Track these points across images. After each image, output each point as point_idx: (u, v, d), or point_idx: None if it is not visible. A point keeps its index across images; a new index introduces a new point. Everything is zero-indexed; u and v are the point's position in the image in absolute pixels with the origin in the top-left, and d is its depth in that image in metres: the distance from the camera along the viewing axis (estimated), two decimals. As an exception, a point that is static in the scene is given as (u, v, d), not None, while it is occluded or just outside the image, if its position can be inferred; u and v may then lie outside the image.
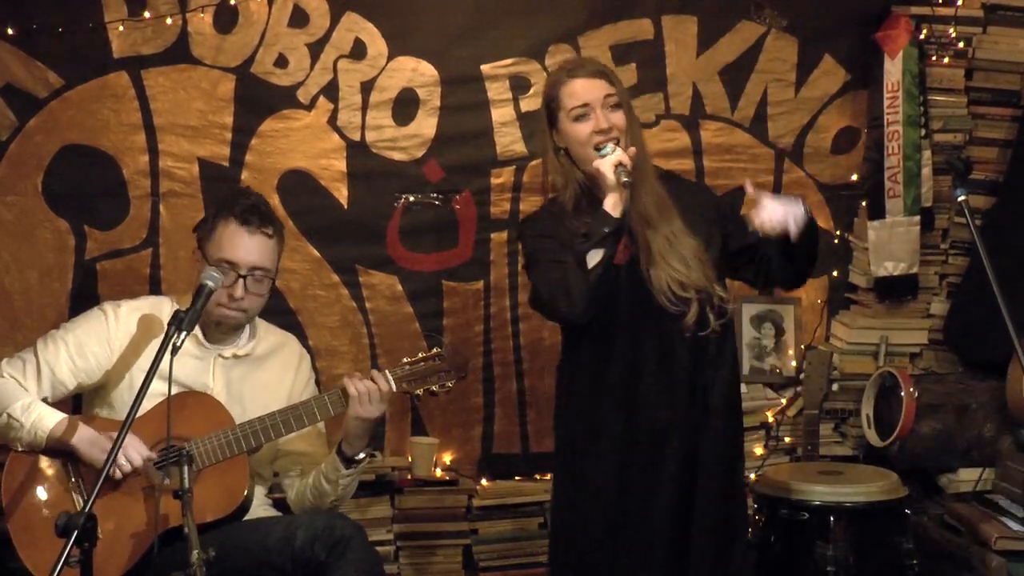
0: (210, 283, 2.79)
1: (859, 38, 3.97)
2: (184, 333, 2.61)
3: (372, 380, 2.91)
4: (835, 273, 4.10)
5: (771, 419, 4.01)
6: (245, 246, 2.93)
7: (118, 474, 2.77)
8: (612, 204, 2.67)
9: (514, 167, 3.88)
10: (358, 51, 3.77)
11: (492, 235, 3.90)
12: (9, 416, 2.83)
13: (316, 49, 3.75)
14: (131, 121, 3.68)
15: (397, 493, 3.81)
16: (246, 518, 2.87)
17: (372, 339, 3.87)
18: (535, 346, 3.93)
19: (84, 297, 3.60)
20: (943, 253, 4.07)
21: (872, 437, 3.86)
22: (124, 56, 3.65)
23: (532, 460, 3.95)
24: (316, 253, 3.81)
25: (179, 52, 3.68)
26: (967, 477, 3.74)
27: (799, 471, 3.57)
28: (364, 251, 3.84)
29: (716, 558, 2.82)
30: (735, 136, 3.99)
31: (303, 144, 3.78)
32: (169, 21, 3.65)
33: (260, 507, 3.02)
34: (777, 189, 4.01)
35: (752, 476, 3.76)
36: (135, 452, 2.77)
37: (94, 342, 2.94)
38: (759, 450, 3.98)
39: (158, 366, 2.55)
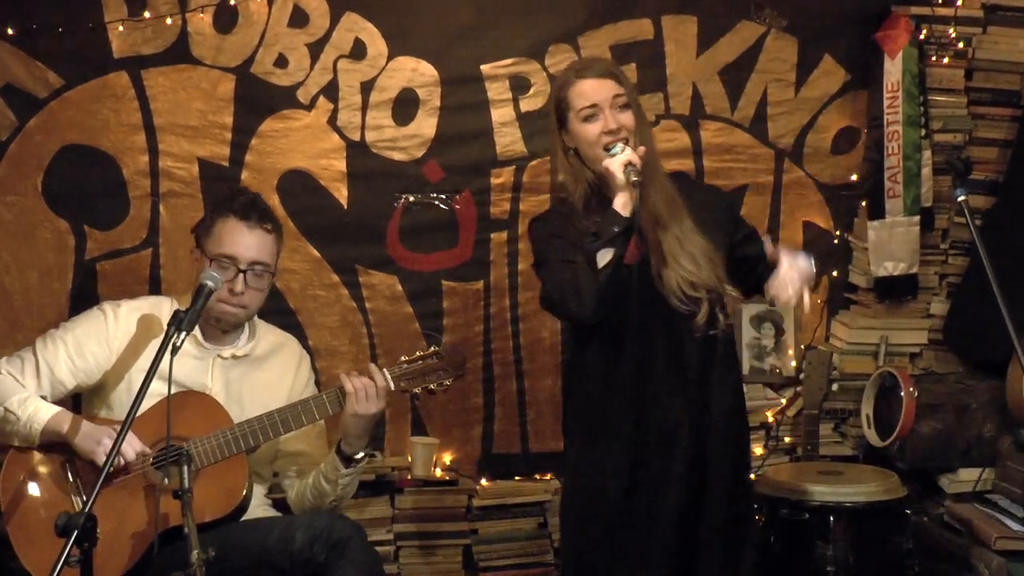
0: (210, 283, 2.79)
1: (859, 38, 3.97)
2: (184, 333, 2.62)
3: (369, 376, 2.91)
4: (835, 273, 4.10)
5: (771, 419, 4.01)
6: (245, 241, 2.94)
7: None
8: (622, 203, 2.67)
9: (514, 167, 3.88)
10: (358, 51, 3.77)
11: (492, 235, 3.90)
12: (6, 410, 2.83)
13: (316, 49, 3.75)
14: (131, 121, 3.68)
15: (397, 493, 3.81)
16: (246, 518, 2.87)
17: (372, 339, 3.87)
18: (535, 346, 3.93)
19: (84, 297, 3.60)
20: (943, 253, 4.07)
21: (872, 437, 3.86)
22: (124, 56, 3.65)
23: (532, 460, 3.95)
24: (316, 253, 3.81)
25: (179, 52, 3.68)
26: (967, 477, 3.74)
27: (799, 471, 3.57)
28: (364, 251, 3.84)
29: (726, 559, 2.82)
30: (735, 136, 3.99)
31: (303, 144, 3.78)
32: (169, 21, 3.65)
33: (260, 507, 3.02)
34: (777, 189, 4.02)
35: (752, 476, 3.75)
36: (128, 447, 2.77)
37: (93, 342, 2.94)
38: (759, 450, 3.98)
39: (158, 366, 2.55)
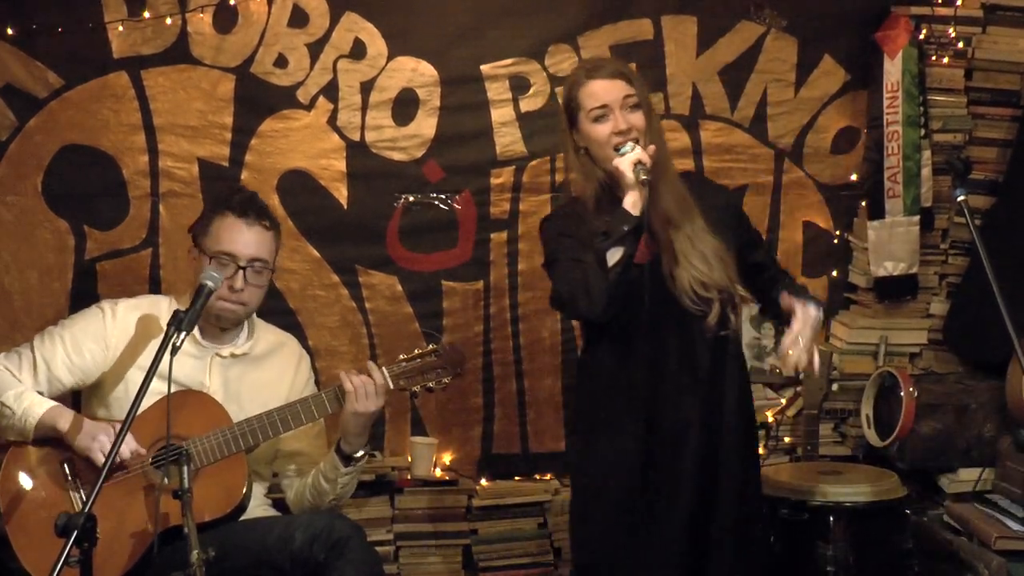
0: (210, 283, 2.79)
1: (859, 38, 3.97)
2: (184, 333, 2.62)
3: (368, 374, 2.91)
4: (835, 273, 4.10)
5: (771, 419, 4.01)
6: (243, 238, 2.94)
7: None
8: (631, 202, 2.67)
9: (514, 167, 3.87)
10: (358, 51, 3.77)
11: (492, 235, 3.90)
12: (1, 403, 2.83)
13: (316, 49, 3.75)
14: (131, 121, 3.68)
15: (396, 493, 3.81)
16: (245, 517, 2.87)
17: (372, 339, 3.86)
18: (535, 346, 3.93)
19: (84, 297, 3.59)
20: (943, 253, 4.07)
21: (872, 437, 3.86)
22: (124, 56, 3.65)
23: (532, 460, 3.95)
24: (316, 253, 3.81)
25: (179, 52, 3.68)
26: (967, 477, 3.74)
27: (799, 471, 3.57)
28: (364, 251, 3.84)
29: (736, 559, 2.82)
30: (735, 136, 3.99)
31: (303, 144, 3.77)
32: (169, 21, 3.64)
33: (259, 507, 3.02)
34: (777, 189, 4.02)
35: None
36: (124, 446, 2.75)
37: (91, 340, 2.94)
38: (759, 450, 3.97)
39: (158, 366, 2.55)
